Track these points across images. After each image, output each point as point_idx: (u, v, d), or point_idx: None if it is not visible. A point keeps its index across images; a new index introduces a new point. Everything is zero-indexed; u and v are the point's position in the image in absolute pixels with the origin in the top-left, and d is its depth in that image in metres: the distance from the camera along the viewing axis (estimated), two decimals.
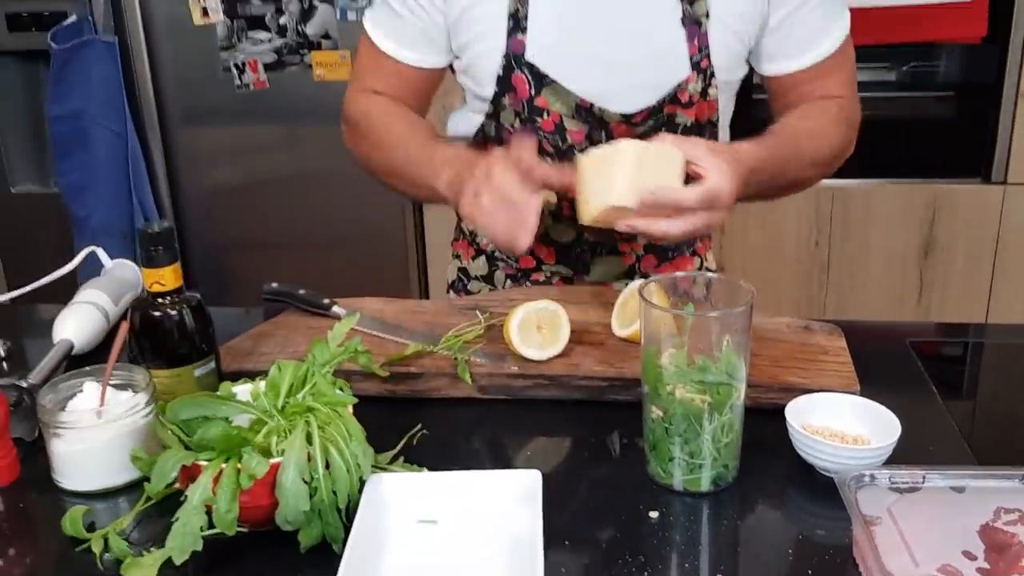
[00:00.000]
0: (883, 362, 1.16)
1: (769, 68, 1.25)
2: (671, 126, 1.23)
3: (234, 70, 2.43)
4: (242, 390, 0.94)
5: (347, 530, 0.82)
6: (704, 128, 1.27)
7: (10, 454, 0.97)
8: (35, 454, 1.00)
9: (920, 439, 0.97)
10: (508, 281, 1.41)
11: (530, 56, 1.19)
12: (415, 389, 1.09)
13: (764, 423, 0.96)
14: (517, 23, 1.18)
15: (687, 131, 1.24)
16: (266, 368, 0.95)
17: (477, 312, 1.21)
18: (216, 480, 0.80)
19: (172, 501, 0.87)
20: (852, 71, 1.28)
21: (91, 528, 0.86)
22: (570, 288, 1.36)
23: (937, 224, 2.47)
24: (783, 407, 0.95)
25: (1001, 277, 2.49)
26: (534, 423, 1.05)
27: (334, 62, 2.35)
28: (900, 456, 0.90)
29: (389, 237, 2.52)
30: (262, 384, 0.94)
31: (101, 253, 1.45)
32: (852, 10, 2.37)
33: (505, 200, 1.04)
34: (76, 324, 1.23)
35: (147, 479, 0.89)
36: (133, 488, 0.94)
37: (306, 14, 2.35)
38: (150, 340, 1.01)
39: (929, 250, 2.49)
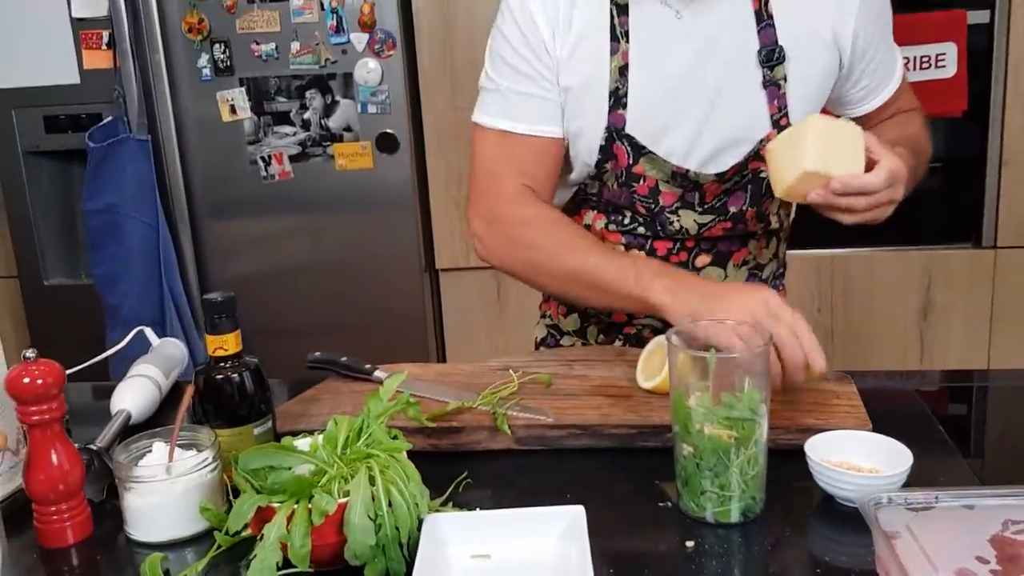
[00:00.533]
0: (891, 405, 1.24)
1: (854, 112, 1.41)
2: (755, 182, 1.35)
3: (260, 163, 2.56)
4: (302, 443, 1.02)
5: (408, 565, 0.89)
6: None
7: (85, 511, 1.04)
8: (104, 513, 1.07)
9: (930, 471, 1.04)
10: (600, 335, 1.49)
11: (630, 129, 1.30)
12: (457, 443, 1.17)
13: (785, 462, 1.03)
14: (618, 100, 1.29)
15: (768, 186, 1.32)
16: (316, 428, 1.03)
17: (511, 371, 1.29)
18: (289, 519, 0.88)
19: (239, 550, 0.95)
20: (911, 89, 1.47)
21: (167, 575, 0.93)
22: (595, 348, 1.45)
23: (934, 288, 2.56)
24: (801, 447, 1.03)
25: (998, 337, 2.57)
26: (571, 470, 1.12)
27: (355, 152, 2.48)
28: (913, 485, 0.96)
29: (409, 318, 2.61)
30: (320, 438, 1.02)
31: (149, 332, 1.53)
32: None
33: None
34: (132, 396, 1.31)
35: (214, 530, 0.97)
36: (199, 540, 1.00)
37: (328, 109, 2.49)
38: (213, 401, 1.09)
39: (928, 313, 2.58)
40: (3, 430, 1.05)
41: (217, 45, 2.51)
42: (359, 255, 2.48)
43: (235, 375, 1.09)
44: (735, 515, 0.97)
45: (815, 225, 2.62)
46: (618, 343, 1.47)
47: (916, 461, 0.98)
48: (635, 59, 1.28)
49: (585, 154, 1.34)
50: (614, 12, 1.28)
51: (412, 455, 0.99)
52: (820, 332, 2.55)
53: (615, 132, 1.30)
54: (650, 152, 1.30)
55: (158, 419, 1.30)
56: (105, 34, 2.53)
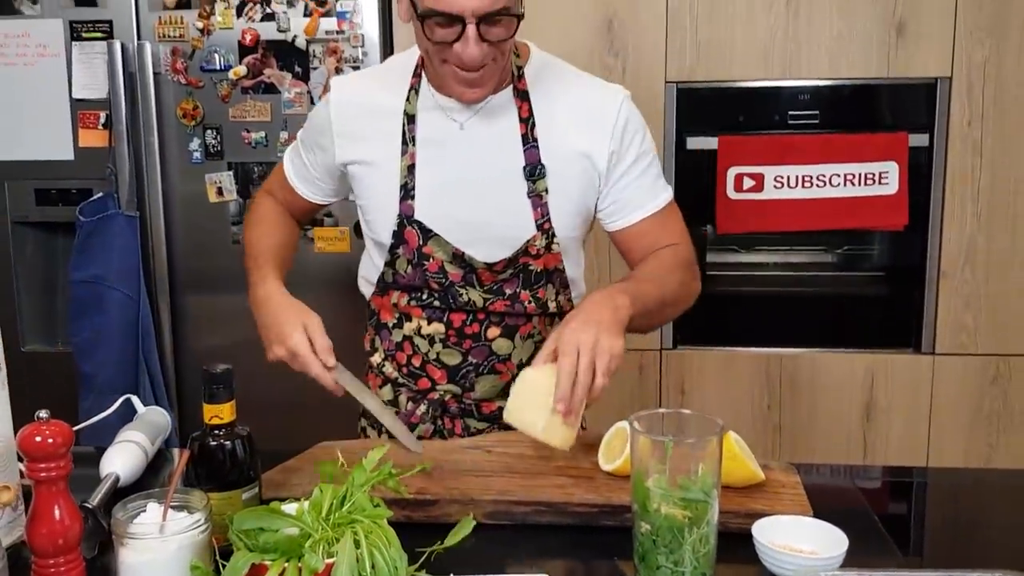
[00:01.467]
0: (832, 495, 1.35)
1: (609, 226, 1.57)
2: (526, 272, 1.54)
3: (242, 243, 2.65)
4: (289, 508, 1.10)
5: None
6: (553, 274, 1.56)
7: (80, 565, 1.10)
8: (95, 569, 1.13)
9: (865, 558, 1.13)
10: (409, 403, 1.63)
11: (418, 216, 1.51)
12: (430, 515, 1.25)
13: (734, 544, 1.12)
14: (407, 192, 1.51)
15: (538, 276, 1.55)
16: (298, 496, 1.11)
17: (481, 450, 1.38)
18: None
19: None
20: (681, 228, 1.59)
21: None
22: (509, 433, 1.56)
23: (876, 389, 2.67)
24: (748, 531, 1.13)
25: (936, 438, 2.68)
26: (536, 544, 1.21)
27: (334, 237, 2.58)
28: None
29: None
30: (306, 504, 1.10)
31: (135, 400, 1.61)
32: (793, 200, 2.67)
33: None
34: (122, 460, 1.37)
35: None
36: None
37: None
38: (206, 466, 1.16)
39: (870, 412, 2.69)
40: (14, 486, 1.11)
41: (209, 131, 2.63)
42: (333, 335, 2.53)
43: (228, 442, 1.17)
44: None
45: (765, 325, 2.78)
46: (423, 407, 1.62)
47: (852, 550, 1.08)
48: (421, 159, 1.51)
49: (380, 237, 1.56)
50: (405, 122, 1.51)
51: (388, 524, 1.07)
52: (768, 427, 2.70)
53: (405, 219, 1.52)
54: (436, 235, 1.51)
55: (143, 483, 1.37)
56: (102, 115, 2.64)
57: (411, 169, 1.50)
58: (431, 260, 1.52)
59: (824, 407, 2.71)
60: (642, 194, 1.54)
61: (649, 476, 1.06)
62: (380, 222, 1.55)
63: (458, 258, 1.52)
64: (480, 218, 1.51)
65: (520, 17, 1.37)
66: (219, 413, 1.17)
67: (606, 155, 1.50)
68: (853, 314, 2.80)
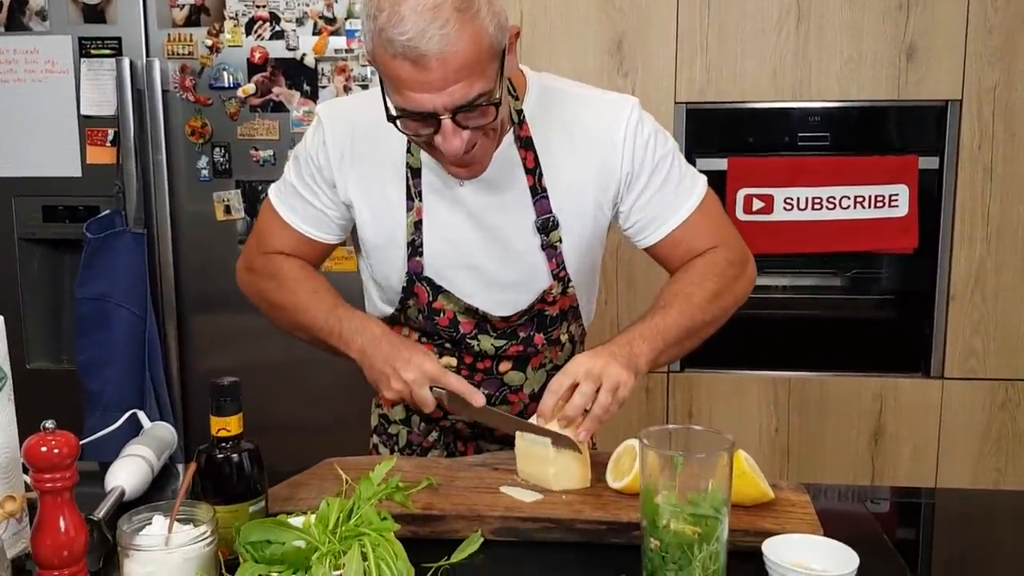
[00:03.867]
0: (841, 516, 1.34)
1: (640, 243, 1.51)
2: (541, 318, 1.50)
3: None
4: (296, 521, 1.09)
5: None
6: (568, 314, 1.54)
7: None
8: None
9: (876, 575, 1.13)
10: (422, 423, 1.61)
11: (427, 273, 1.47)
12: (436, 531, 1.24)
13: (743, 563, 1.11)
14: (415, 249, 1.46)
15: (553, 320, 1.51)
16: (304, 510, 1.10)
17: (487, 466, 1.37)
18: None
19: None
20: (716, 226, 1.51)
21: None
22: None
23: (884, 414, 2.66)
24: (758, 549, 1.11)
25: (945, 462, 2.66)
26: (542, 562, 1.19)
27: (341, 256, 2.56)
28: None
29: None
30: (312, 517, 1.09)
31: (142, 415, 1.60)
32: (803, 222, 2.66)
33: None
34: (127, 473, 1.37)
35: None
36: None
37: None
38: (213, 479, 1.15)
39: (878, 437, 2.67)
40: (20, 497, 1.11)
41: (217, 148, 2.64)
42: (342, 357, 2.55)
43: (235, 455, 1.16)
44: None
45: (773, 348, 2.77)
46: (435, 433, 1.61)
47: (863, 566, 1.06)
48: (427, 215, 1.45)
49: (389, 293, 1.52)
50: (409, 175, 1.44)
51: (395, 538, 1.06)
52: (776, 450, 2.67)
53: (415, 276, 1.47)
54: (447, 291, 1.47)
55: (148, 498, 1.36)
56: (111, 132, 2.65)
57: (418, 226, 1.44)
58: (442, 314, 1.48)
59: (832, 431, 2.69)
60: (666, 206, 1.47)
61: (658, 492, 1.05)
62: (389, 274, 1.50)
63: (471, 311, 1.48)
64: (492, 274, 1.46)
65: (498, 104, 1.25)
66: (226, 425, 1.16)
67: (619, 180, 1.44)
68: (862, 338, 2.79)
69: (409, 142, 1.43)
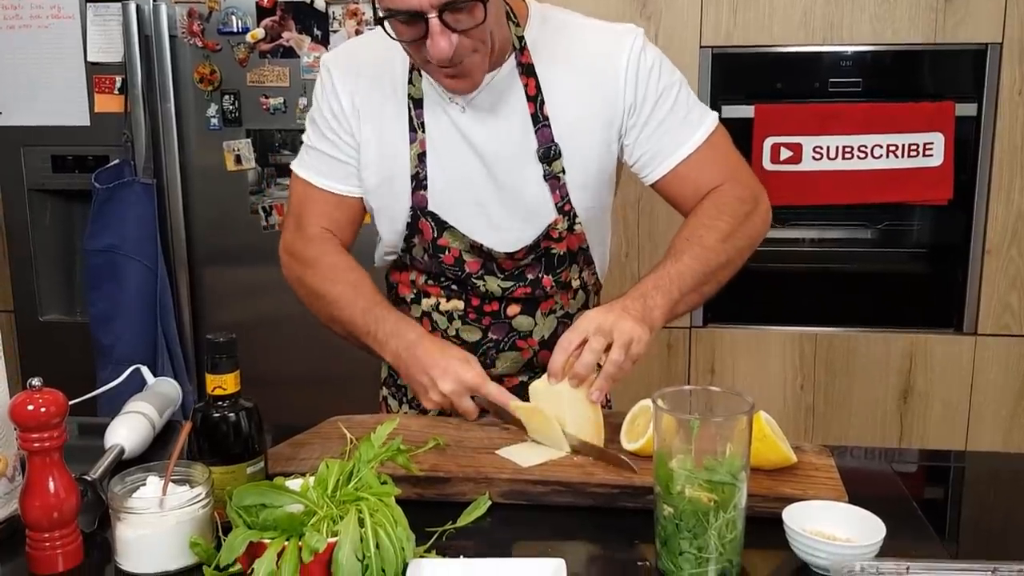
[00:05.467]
0: (867, 479, 1.27)
1: (646, 179, 1.47)
2: (548, 257, 1.47)
3: (261, 212, 2.61)
4: (293, 484, 1.04)
5: None
6: (576, 255, 1.50)
7: (76, 540, 1.06)
8: (93, 544, 1.09)
9: (903, 546, 1.07)
10: None
11: (432, 207, 1.44)
12: (442, 493, 1.19)
13: (763, 529, 1.06)
14: (419, 183, 1.43)
15: (561, 259, 1.48)
16: (305, 471, 1.06)
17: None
18: (279, 556, 0.90)
19: None
20: (725, 161, 1.47)
21: None
22: None
23: (914, 371, 2.60)
24: (778, 516, 1.06)
25: (976, 423, 2.60)
26: (552, 526, 1.15)
27: None
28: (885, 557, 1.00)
29: None
30: (311, 479, 1.04)
31: (145, 370, 1.56)
32: (833, 172, 2.59)
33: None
34: (127, 431, 1.33)
35: (202, 565, 0.99)
36: (187, 574, 1.02)
37: None
38: (209, 439, 1.11)
39: (908, 395, 2.61)
40: (3, 455, 1.07)
41: (227, 96, 2.57)
42: None
43: (232, 414, 1.12)
44: None
45: (799, 303, 2.71)
46: None
47: (890, 536, 1.01)
48: (431, 147, 1.42)
49: (393, 230, 1.48)
50: (411, 106, 1.42)
51: (398, 503, 1.01)
52: (801, 408, 2.61)
53: (419, 210, 1.44)
54: (451, 227, 1.44)
55: (150, 456, 1.32)
56: (118, 79, 2.60)
57: (421, 158, 1.42)
58: (447, 252, 1.46)
59: (860, 388, 2.64)
60: (671, 139, 1.43)
61: (673, 456, 1.00)
62: (393, 211, 1.47)
63: (476, 248, 1.45)
64: (496, 206, 1.44)
65: (485, 1, 1.23)
66: (222, 384, 1.12)
67: (622, 111, 1.41)
68: (892, 292, 2.72)
69: (410, 72, 1.42)
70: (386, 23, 1.26)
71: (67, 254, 2.82)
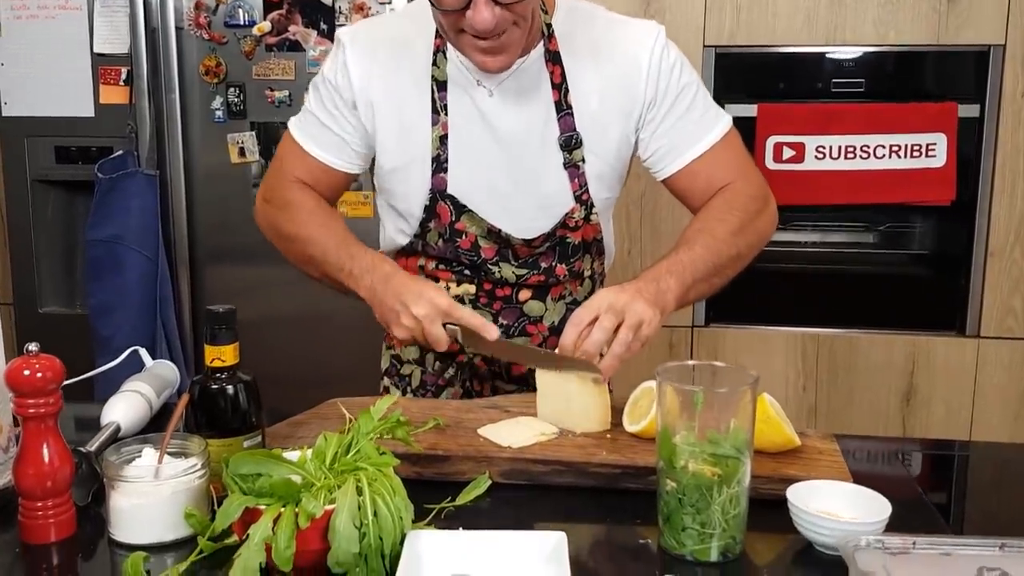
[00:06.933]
0: (872, 466, 1.26)
1: (658, 174, 1.49)
2: (563, 245, 1.48)
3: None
4: (291, 455, 1.03)
5: None
6: (591, 245, 1.51)
7: (69, 510, 1.04)
8: (87, 518, 1.07)
9: (908, 524, 1.05)
10: (437, 362, 1.56)
11: (451, 190, 1.43)
12: (442, 472, 1.18)
13: (767, 510, 1.05)
14: (440, 165, 1.43)
15: (575, 249, 1.49)
16: (299, 445, 1.05)
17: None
18: (276, 522, 0.89)
19: (220, 557, 0.96)
20: (737, 161, 1.49)
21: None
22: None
23: (917, 373, 2.59)
24: (782, 499, 1.04)
25: (979, 426, 2.58)
26: (553, 505, 1.14)
27: (357, 201, 2.52)
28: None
29: None
30: (309, 452, 1.03)
31: (143, 352, 1.55)
32: (835, 172, 2.59)
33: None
34: (123, 409, 1.32)
35: (196, 536, 0.98)
36: (181, 545, 1.01)
37: None
38: (207, 411, 1.10)
39: (910, 398, 2.60)
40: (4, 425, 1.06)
41: (232, 89, 2.57)
42: (355, 303, 2.50)
43: (230, 387, 1.11)
44: (714, 554, 0.98)
45: (802, 303, 2.69)
46: (451, 370, 1.55)
47: (895, 520, 0.99)
48: (453, 130, 1.42)
49: (410, 213, 1.47)
50: (434, 88, 1.42)
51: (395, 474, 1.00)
52: (804, 408, 2.59)
53: (438, 193, 1.43)
54: (470, 211, 1.44)
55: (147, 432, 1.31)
56: (124, 71, 2.59)
57: (443, 140, 1.42)
58: (464, 236, 1.45)
59: (862, 390, 2.62)
60: (686, 136, 1.45)
61: (677, 430, 0.98)
62: (410, 194, 1.46)
63: (493, 234, 1.45)
64: (516, 192, 1.44)
65: None
66: (221, 355, 1.11)
67: (643, 105, 1.43)
68: (894, 294, 2.70)
69: (435, 53, 1.42)
70: None
71: (68, 246, 2.80)
